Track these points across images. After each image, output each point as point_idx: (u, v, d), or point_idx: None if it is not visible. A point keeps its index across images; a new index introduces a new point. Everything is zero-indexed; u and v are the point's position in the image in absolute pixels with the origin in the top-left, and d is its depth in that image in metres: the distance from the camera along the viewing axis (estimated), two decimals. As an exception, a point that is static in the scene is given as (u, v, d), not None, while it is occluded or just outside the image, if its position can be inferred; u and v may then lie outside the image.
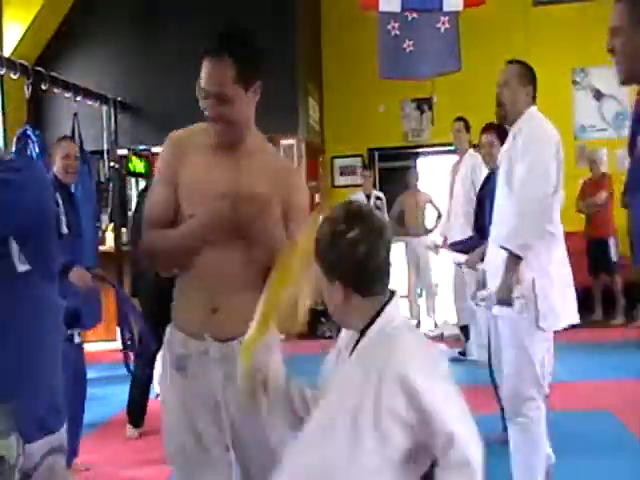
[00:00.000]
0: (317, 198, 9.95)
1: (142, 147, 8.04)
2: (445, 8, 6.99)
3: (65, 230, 4.01)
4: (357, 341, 1.71)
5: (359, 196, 8.91)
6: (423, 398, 1.54)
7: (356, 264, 1.65)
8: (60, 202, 4.05)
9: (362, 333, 1.69)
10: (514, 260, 3.17)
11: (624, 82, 2.35)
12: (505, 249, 3.21)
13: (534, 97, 3.51)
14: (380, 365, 1.58)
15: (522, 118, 3.40)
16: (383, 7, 7.12)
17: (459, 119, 6.73)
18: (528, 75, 3.53)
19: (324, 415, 1.67)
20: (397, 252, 8.83)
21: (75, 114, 7.63)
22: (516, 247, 3.18)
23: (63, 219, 4.03)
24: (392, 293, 1.73)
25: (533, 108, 3.46)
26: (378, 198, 9.02)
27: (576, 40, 9.37)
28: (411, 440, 1.57)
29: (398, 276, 8.90)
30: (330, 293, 1.70)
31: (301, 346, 8.11)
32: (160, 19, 8.98)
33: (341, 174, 10.26)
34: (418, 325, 8.45)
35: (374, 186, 9.93)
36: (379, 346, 1.64)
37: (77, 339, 4.22)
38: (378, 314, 1.68)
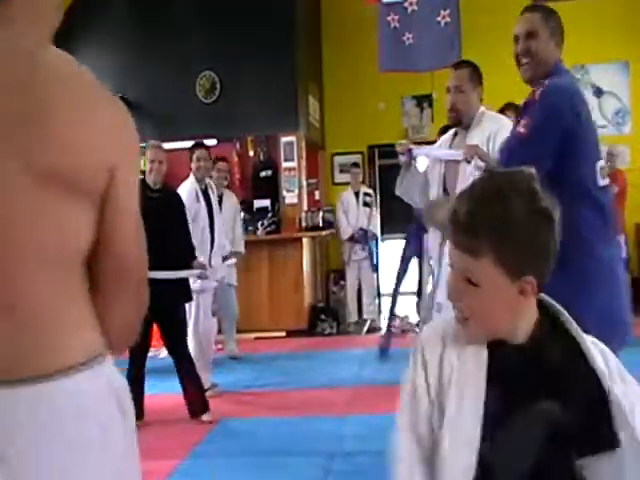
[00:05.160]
0: (317, 195, 9.96)
1: (142, 145, 8.03)
2: None
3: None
4: (524, 345, 1.41)
5: (348, 194, 8.93)
6: None
7: (555, 253, 1.37)
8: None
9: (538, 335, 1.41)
10: None
11: (529, 81, 2.64)
12: None
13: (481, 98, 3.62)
14: None
15: (481, 118, 3.50)
16: None
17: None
18: (479, 76, 3.60)
19: None
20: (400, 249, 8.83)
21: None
22: None
23: None
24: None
25: (482, 108, 3.57)
26: (367, 194, 9.03)
27: (576, 37, 9.33)
28: None
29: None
30: (507, 296, 1.36)
31: (301, 343, 8.15)
32: (159, 18, 8.97)
33: (341, 171, 10.26)
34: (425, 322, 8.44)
35: (370, 183, 9.96)
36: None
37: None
38: (549, 316, 1.43)
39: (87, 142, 1.18)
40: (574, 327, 1.41)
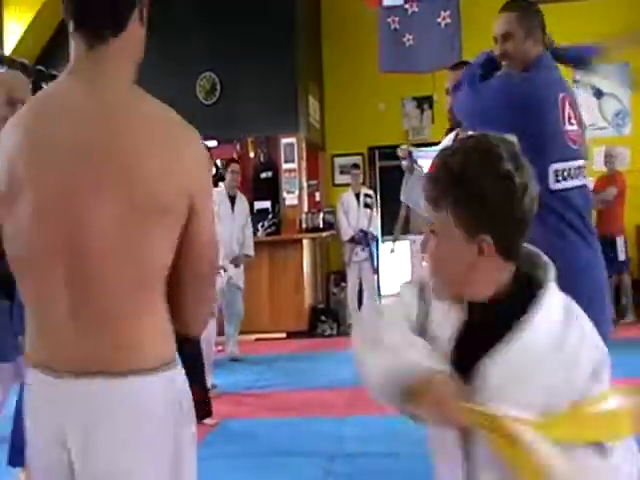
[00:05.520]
0: (317, 196, 9.96)
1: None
2: None
3: None
4: (486, 305, 1.40)
5: (349, 195, 8.92)
6: None
7: (520, 217, 1.36)
8: None
9: (505, 313, 1.37)
10: None
11: None
12: None
13: None
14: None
15: None
16: (387, 2, 7.15)
17: None
18: None
19: None
20: (402, 250, 8.84)
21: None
22: None
23: None
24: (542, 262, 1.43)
25: None
26: (368, 195, 9.02)
27: (576, 38, 9.34)
28: None
29: (403, 274, 8.91)
30: (463, 253, 1.37)
31: (301, 344, 8.15)
32: (159, 18, 8.96)
33: (341, 172, 10.26)
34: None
35: (371, 184, 9.96)
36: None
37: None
38: (530, 289, 1.38)
39: (170, 173, 1.41)
40: (545, 300, 1.35)
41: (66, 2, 1.49)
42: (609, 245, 8.26)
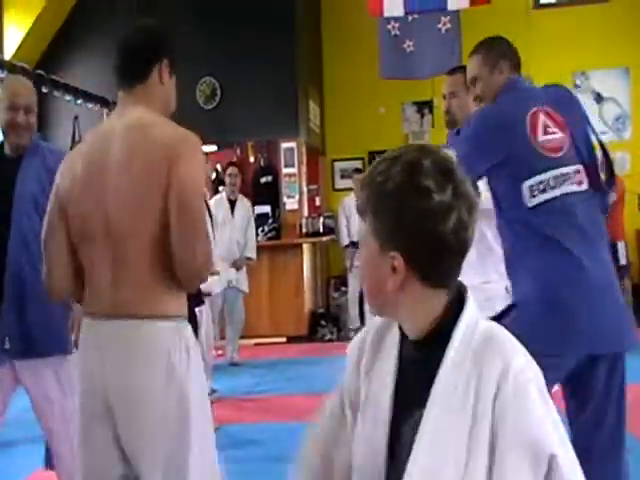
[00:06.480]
0: (317, 201, 9.96)
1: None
2: (449, 7, 6.99)
3: None
4: (419, 343, 1.33)
5: (350, 200, 8.91)
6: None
7: (437, 239, 1.24)
8: None
9: (432, 336, 1.31)
10: None
11: None
12: None
13: None
14: (496, 375, 1.23)
15: None
16: (387, 13, 7.16)
17: None
18: None
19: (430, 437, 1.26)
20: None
21: (76, 117, 7.64)
22: None
23: None
24: (462, 288, 1.34)
25: None
26: None
27: (577, 43, 9.38)
28: None
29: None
30: (379, 267, 1.30)
31: (301, 349, 8.14)
32: (160, 22, 8.97)
33: (342, 177, 10.26)
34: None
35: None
36: (486, 353, 1.25)
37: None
38: (452, 311, 1.30)
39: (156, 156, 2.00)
40: (460, 333, 1.28)
41: (115, 57, 2.17)
42: (610, 250, 8.25)
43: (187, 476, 2.00)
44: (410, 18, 7.45)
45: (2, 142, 2.92)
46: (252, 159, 10.02)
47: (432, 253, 1.25)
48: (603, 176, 2.61)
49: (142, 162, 1.99)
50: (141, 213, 1.98)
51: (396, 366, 1.35)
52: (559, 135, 2.54)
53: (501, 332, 1.30)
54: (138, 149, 2.00)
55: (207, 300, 5.64)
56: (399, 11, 7.15)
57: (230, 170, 7.00)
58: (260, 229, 8.74)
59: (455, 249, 1.26)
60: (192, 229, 1.96)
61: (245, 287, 7.05)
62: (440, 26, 7.37)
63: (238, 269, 6.92)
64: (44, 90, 7.35)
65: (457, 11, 7.34)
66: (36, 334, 2.77)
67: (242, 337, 7.54)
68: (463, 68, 3.67)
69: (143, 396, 1.99)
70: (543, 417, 1.23)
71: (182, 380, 2.00)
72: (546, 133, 2.53)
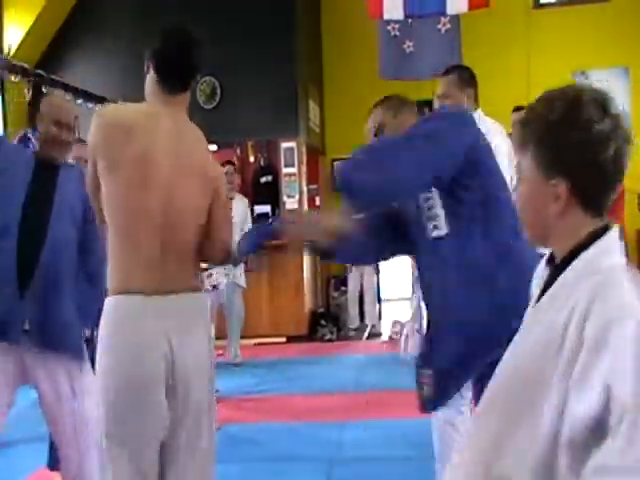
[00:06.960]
0: (317, 201, 9.95)
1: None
2: (448, 11, 7.00)
3: None
4: (551, 276, 1.40)
5: None
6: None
7: (599, 166, 1.34)
8: None
9: (562, 264, 1.37)
10: None
11: None
12: None
13: (476, 98, 3.57)
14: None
15: None
16: (387, 16, 7.18)
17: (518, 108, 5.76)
18: (467, 79, 3.58)
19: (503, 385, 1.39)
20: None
21: (76, 116, 7.62)
22: None
23: None
24: (610, 224, 1.42)
25: (479, 111, 3.54)
26: None
27: (577, 43, 9.37)
28: None
29: (401, 278, 8.91)
30: (541, 197, 1.37)
31: (301, 349, 8.14)
32: (160, 21, 8.94)
33: (341, 177, 10.24)
34: (420, 327, 8.43)
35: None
36: (584, 282, 1.30)
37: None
38: (592, 240, 1.37)
39: (205, 159, 2.44)
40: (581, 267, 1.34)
41: (161, 65, 2.49)
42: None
43: (202, 438, 2.28)
44: (410, 19, 7.46)
45: (36, 151, 3.02)
46: (252, 159, 10.02)
47: (593, 181, 1.35)
48: None
49: (202, 170, 2.34)
50: (199, 213, 2.32)
51: (539, 287, 1.45)
52: None
53: (620, 281, 1.30)
54: (199, 157, 2.38)
55: (210, 295, 5.66)
56: (399, 14, 7.16)
57: (227, 168, 7.00)
58: (260, 229, 8.73)
59: (613, 178, 1.38)
60: (229, 218, 2.59)
61: (242, 282, 7.05)
62: (440, 26, 7.36)
63: (235, 265, 6.91)
64: (44, 89, 7.35)
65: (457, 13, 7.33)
66: (54, 329, 2.81)
67: (242, 337, 7.54)
68: (457, 69, 3.67)
69: (201, 362, 2.27)
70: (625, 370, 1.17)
71: (212, 345, 2.39)
72: None
